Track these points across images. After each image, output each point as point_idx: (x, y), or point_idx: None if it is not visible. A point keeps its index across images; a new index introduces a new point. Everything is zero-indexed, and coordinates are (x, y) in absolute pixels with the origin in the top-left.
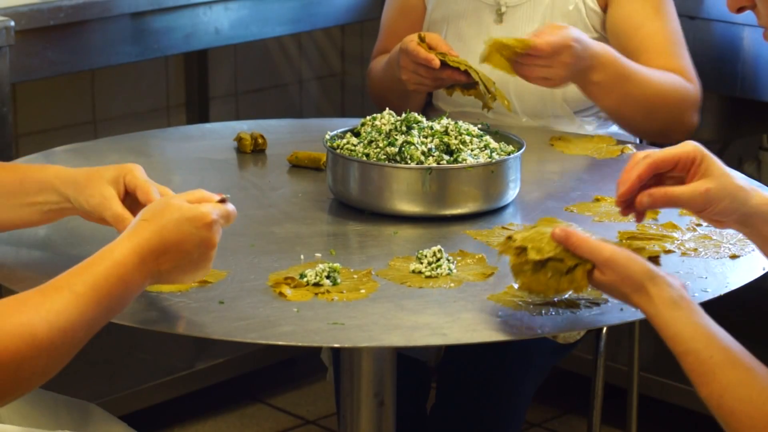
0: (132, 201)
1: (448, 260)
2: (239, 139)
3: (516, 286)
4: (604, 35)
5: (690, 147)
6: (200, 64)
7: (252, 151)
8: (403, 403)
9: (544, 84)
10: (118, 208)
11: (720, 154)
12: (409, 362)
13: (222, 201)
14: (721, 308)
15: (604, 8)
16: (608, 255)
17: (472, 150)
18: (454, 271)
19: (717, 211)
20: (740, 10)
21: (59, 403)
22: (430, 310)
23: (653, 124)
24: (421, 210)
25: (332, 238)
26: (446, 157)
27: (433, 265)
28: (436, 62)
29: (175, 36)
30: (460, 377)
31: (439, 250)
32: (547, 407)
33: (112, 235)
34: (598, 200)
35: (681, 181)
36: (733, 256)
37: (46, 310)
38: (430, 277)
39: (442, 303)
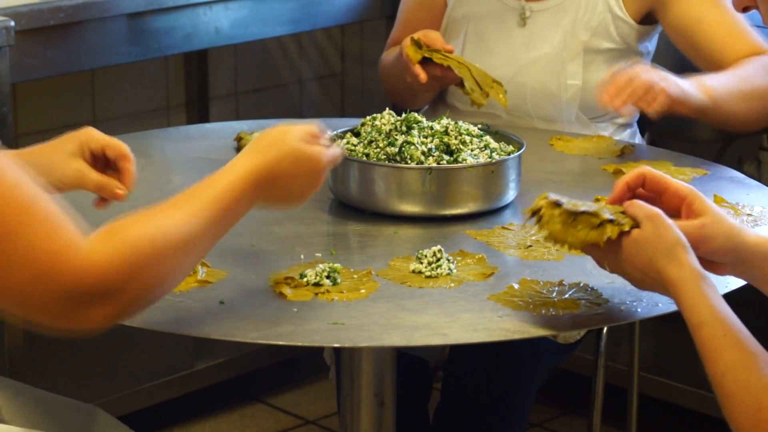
0: (96, 162)
1: (448, 260)
2: (239, 139)
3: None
4: (632, 47)
5: (683, 185)
6: (200, 64)
7: None
8: (405, 402)
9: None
10: (97, 176)
11: (720, 154)
12: (411, 362)
13: (331, 142)
14: None
15: (643, 19)
16: (656, 211)
17: (472, 150)
18: (454, 271)
19: (713, 248)
20: (746, 9)
21: (63, 406)
22: (430, 310)
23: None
24: (421, 210)
25: (332, 238)
26: (446, 157)
27: (433, 265)
28: (423, 77)
29: (175, 36)
30: (465, 377)
31: (439, 250)
32: (547, 407)
33: None
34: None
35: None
36: None
37: (167, 224)
38: (430, 277)
39: (442, 303)
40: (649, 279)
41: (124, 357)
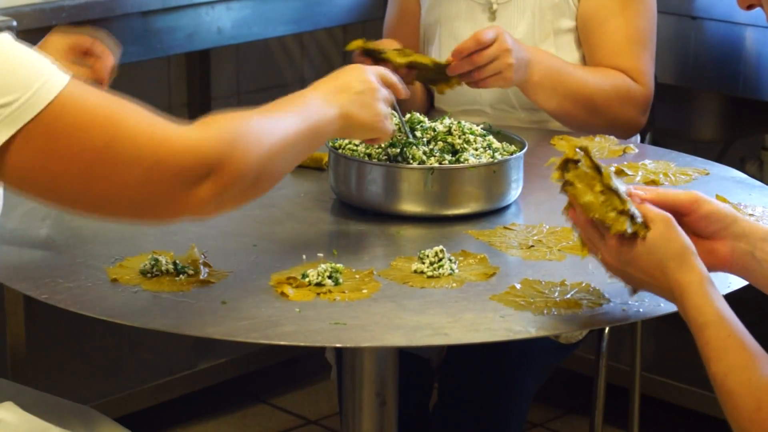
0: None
1: (450, 260)
2: None
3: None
4: None
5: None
6: (202, 63)
7: None
8: (406, 401)
9: (499, 82)
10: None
11: (722, 155)
12: (412, 361)
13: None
14: None
15: None
16: (669, 216)
17: (475, 149)
18: (456, 271)
19: (703, 214)
20: (750, 7)
21: (61, 408)
22: (432, 310)
23: (596, 121)
24: (424, 210)
25: (334, 238)
26: (448, 157)
27: (435, 265)
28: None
29: (177, 36)
30: (462, 376)
31: (441, 250)
32: (549, 407)
33: (115, 236)
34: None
35: None
36: None
37: (257, 116)
38: (432, 277)
39: (444, 303)
40: (654, 281)
41: (125, 357)
